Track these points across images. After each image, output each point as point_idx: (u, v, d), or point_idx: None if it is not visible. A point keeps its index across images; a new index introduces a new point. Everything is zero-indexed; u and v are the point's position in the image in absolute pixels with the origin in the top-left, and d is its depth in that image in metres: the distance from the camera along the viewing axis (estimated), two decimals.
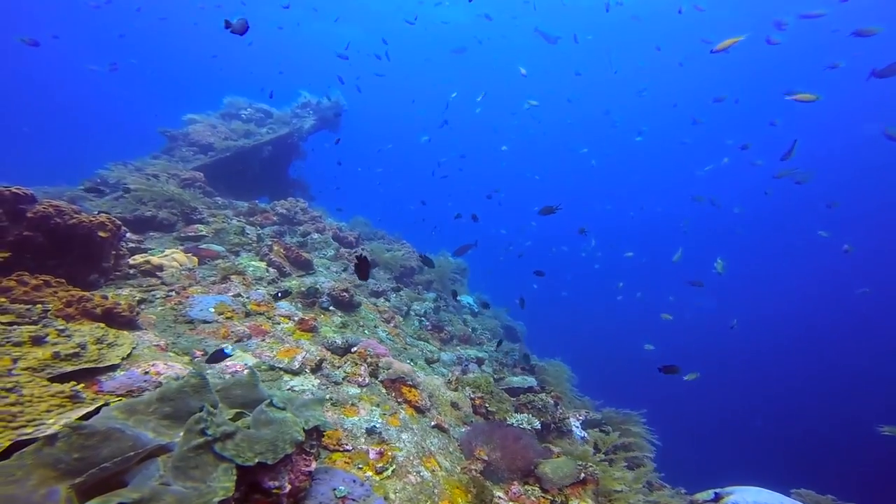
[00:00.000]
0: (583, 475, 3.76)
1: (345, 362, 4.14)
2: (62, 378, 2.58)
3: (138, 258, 5.31)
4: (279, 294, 5.28)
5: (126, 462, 1.66)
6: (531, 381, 6.21)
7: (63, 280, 3.89)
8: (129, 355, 3.06)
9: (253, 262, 5.96)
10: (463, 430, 4.19)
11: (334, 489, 2.36)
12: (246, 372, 2.34)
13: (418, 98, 34.78)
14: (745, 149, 11.84)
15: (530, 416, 4.61)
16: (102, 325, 3.18)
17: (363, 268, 3.52)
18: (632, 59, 29.62)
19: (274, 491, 1.90)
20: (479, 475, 3.31)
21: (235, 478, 1.72)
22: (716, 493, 4.17)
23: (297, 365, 3.79)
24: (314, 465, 2.20)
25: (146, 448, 1.75)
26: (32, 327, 2.75)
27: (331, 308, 5.46)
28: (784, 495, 4.10)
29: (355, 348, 4.42)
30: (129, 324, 3.57)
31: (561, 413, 5.19)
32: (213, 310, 4.32)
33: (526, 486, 3.58)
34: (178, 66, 45.00)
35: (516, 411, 5.08)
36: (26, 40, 10.52)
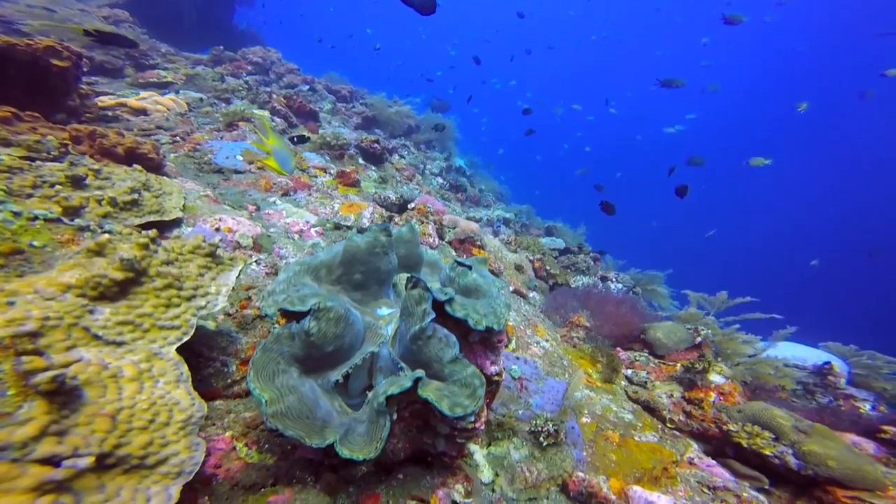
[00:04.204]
0: (698, 339, 3.60)
1: (410, 220, 3.69)
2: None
3: (107, 100, 4.16)
4: (296, 139, 4.51)
5: (371, 359, 1.27)
6: (559, 241, 6.15)
7: (37, 115, 2.92)
8: (184, 207, 2.43)
9: (253, 110, 4.93)
10: (531, 295, 4.05)
11: (505, 369, 2.13)
12: (405, 227, 1.87)
13: None
14: None
15: (594, 278, 4.56)
16: (140, 168, 2.43)
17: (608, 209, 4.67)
18: None
19: (495, 378, 1.61)
20: (581, 342, 3.23)
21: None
22: None
23: (366, 223, 3.30)
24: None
25: (383, 338, 1.34)
26: (59, 165, 1.99)
27: (361, 161, 4.77)
28: (813, 348, 4.47)
29: (412, 204, 3.94)
30: (158, 169, 2.81)
31: (602, 274, 5.24)
32: (240, 157, 3.56)
33: (632, 353, 3.50)
34: None
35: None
36: None
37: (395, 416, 1.35)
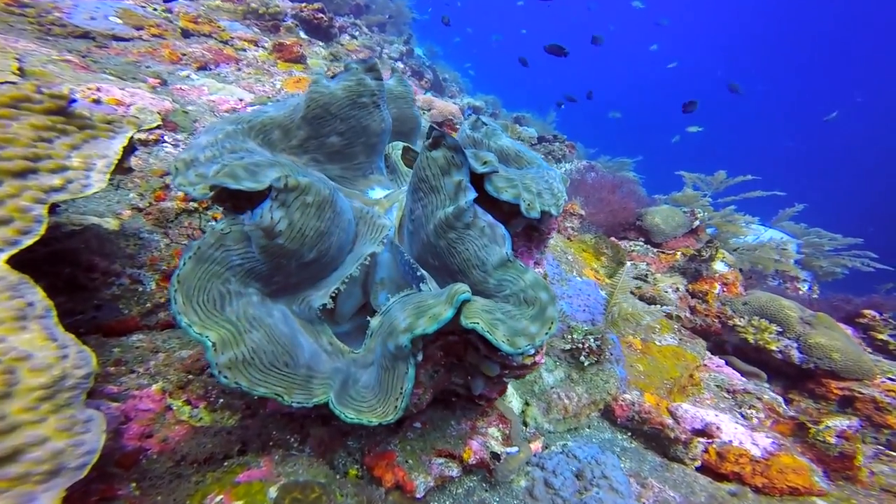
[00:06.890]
0: (696, 223, 3.34)
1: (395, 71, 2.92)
2: None
3: None
4: None
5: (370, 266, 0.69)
6: (531, 130, 5.59)
7: None
8: (20, 70, 1.56)
9: None
10: None
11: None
12: (392, 78, 1.22)
13: None
14: None
15: (584, 163, 4.06)
16: None
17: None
18: None
19: None
20: (576, 233, 2.81)
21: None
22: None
23: None
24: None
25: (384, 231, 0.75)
26: None
27: (303, 35, 3.73)
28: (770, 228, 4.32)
29: None
30: None
31: (577, 163, 4.79)
32: (116, 19, 2.53)
33: (627, 242, 3.17)
34: None
35: None
36: None
37: (420, 358, 0.81)
